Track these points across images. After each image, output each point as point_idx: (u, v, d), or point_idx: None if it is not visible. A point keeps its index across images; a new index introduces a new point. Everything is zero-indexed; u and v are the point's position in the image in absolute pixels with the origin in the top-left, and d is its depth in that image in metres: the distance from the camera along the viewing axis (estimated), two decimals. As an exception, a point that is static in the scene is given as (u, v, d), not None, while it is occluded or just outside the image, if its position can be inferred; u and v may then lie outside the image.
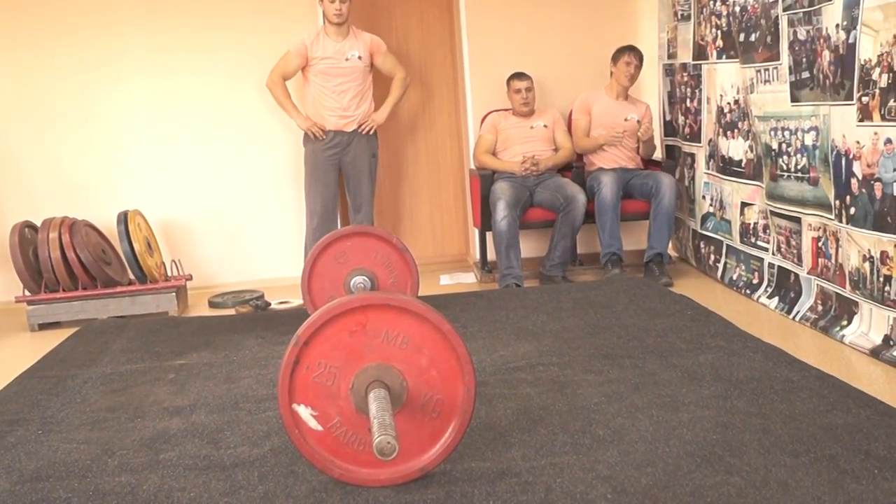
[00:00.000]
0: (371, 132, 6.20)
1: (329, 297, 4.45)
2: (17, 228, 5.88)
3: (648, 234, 6.01)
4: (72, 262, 5.77)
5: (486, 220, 6.16)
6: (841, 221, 4.24)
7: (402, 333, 2.74)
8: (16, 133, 6.60)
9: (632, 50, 6.38)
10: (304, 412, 2.75)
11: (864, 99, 3.95)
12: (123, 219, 5.98)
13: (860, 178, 4.04)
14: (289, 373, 2.73)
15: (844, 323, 4.28)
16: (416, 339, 2.74)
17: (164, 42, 6.64)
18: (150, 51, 6.64)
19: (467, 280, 6.53)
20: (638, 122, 6.39)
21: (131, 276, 6.08)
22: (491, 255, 6.32)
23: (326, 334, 2.73)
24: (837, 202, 4.27)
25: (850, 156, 4.11)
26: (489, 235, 6.25)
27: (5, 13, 6.52)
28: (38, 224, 5.96)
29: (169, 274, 6.30)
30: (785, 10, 4.64)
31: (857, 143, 4.04)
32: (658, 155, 6.61)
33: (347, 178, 6.25)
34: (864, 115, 3.97)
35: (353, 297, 2.78)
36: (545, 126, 6.42)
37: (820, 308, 4.56)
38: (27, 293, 5.86)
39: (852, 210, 4.13)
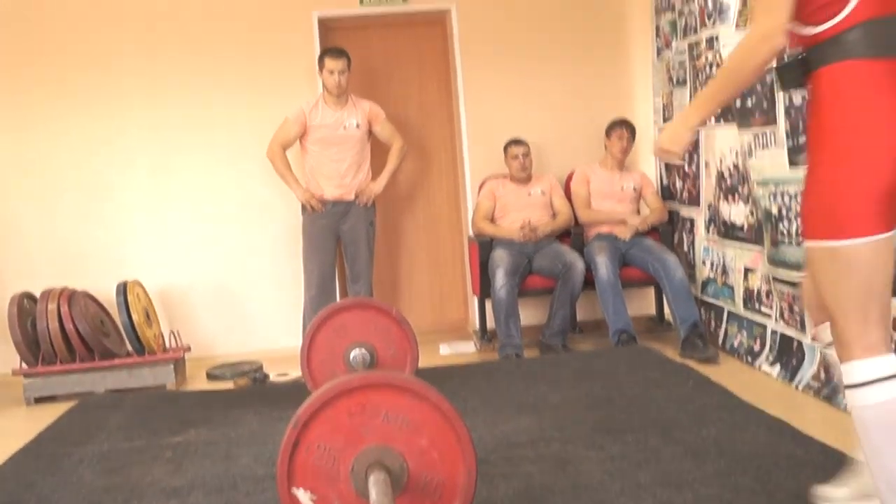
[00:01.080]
0: (369, 203, 6.21)
1: (329, 370, 4.41)
2: (15, 299, 5.85)
3: (672, 312, 5.89)
4: (70, 334, 5.73)
5: (485, 288, 6.14)
6: (842, 288, 4.21)
7: (403, 414, 2.70)
8: (16, 203, 6.62)
9: (623, 124, 6.45)
10: (303, 496, 2.70)
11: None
12: (123, 290, 5.96)
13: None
14: (287, 455, 2.68)
15: (848, 391, 4.24)
16: (416, 419, 2.70)
17: (164, 112, 6.68)
18: (151, 121, 6.69)
19: (467, 349, 6.49)
20: (634, 189, 6.41)
21: (129, 348, 6.04)
22: (490, 322, 6.29)
23: (326, 415, 2.68)
24: (838, 268, 4.25)
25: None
26: (488, 303, 6.22)
27: (8, 83, 6.59)
28: (38, 295, 5.93)
29: (167, 345, 6.26)
30: (780, 76, 4.65)
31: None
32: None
33: (345, 248, 6.24)
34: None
35: (352, 376, 2.74)
36: (542, 192, 6.43)
37: (823, 376, 4.52)
38: (24, 366, 5.82)
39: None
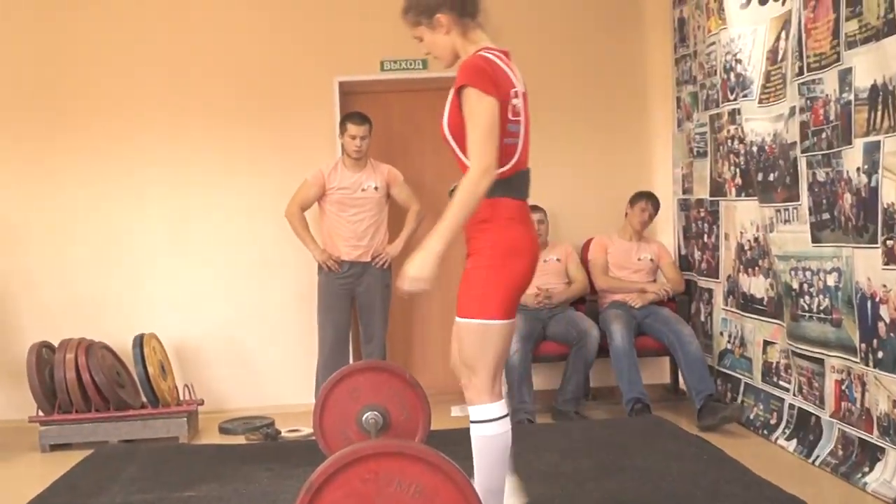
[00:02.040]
0: (386, 266, 6.22)
1: (341, 432, 4.39)
2: (34, 348, 5.91)
3: (687, 383, 5.87)
4: (86, 384, 5.76)
5: (499, 352, 6.13)
6: (868, 365, 4.20)
7: (415, 482, 2.70)
8: (36, 254, 6.69)
9: (649, 197, 6.48)
10: None
11: (889, 242, 3.96)
12: (139, 342, 6.00)
13: (888, 321, 4.02)
14: None
15: (866, 469, 4.21)
16: (428, 488, 2.70)
17: (184, 167, 6.76)
18: (170, 176, 6.76)
19: (481, 412, 6.46)
20: (651, 260, 6.43)
21: (144, 399, 6.05)
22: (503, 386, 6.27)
23: (339, 481, 2.69)
24: (863, 345, 4.24)
25: (877, 299, 4.09)
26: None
27: (28, 135, 6.68)
28: (56, 344, 5.97)
29: (181, 398, 6.27)
30: (804, 152, 4.68)
31: (884, 286, 4.03)
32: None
33: (360, 309, 6.25)
34: (890, 258, 3.98)
35: (366, 444, 2.75)
36: (558, 260, 6.45)
37: (841, 453, 4.49)
38: (40, 413, 5.84)
39: (880, 354, 4.09)
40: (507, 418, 3.12)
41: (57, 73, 6.70)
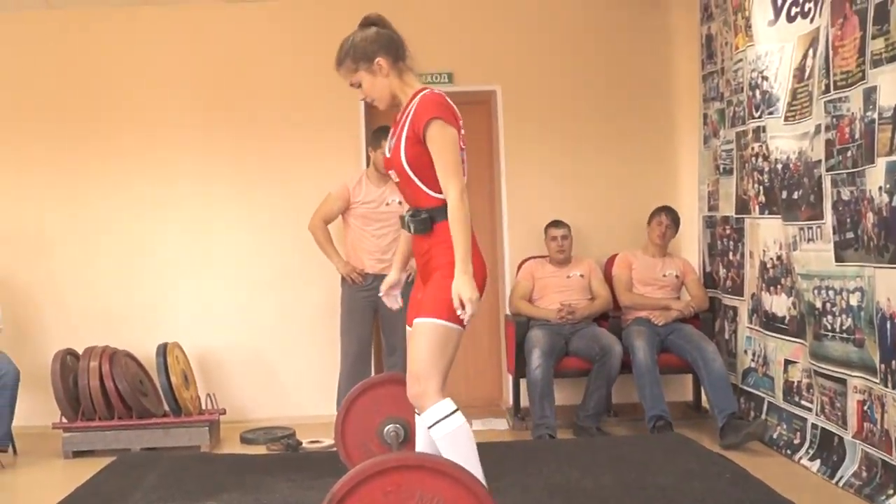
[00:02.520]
0: (410, 279, 6.21)
1: (362, 444, 4.39)
2: (59, 356, 5.96)
3: (710, 401, 5.84)
4: (110, 392, 5.81)
5: (520, 367, 6.14)
6: (887, 386, 4.16)
7: (437, 495, 2.71)
8: (62, 263, 6.77)
9: (667, 211, 6.48)
10: None
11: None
12: (163, 351, 6.04)
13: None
14: None
15: (891, 492, 4.17)
16: (449, 501, 2.71)
17: (208, 179, 6.84)
18: (194, 188, 6.84)
19: (499, 427, 6.47)
20: (676, 276, 6.41)
21: (166, 408, 6.09)
22: (524, 401, 6.27)
23: (361, 493, 2.70)
24: (883, 366, 4.21)
25: (897, 320, 4.07)
26: (523, 382, 6.21)
27: (56, 146, 6.77)
28: (80, 352, 6.01)
29: (203, 407, 6.30)
30: (828, 170, 4.66)
31: (904, 307, 4.01)
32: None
33: (383, 321, 6.24)
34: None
35: (388, 456, 2.76)
36: (581, 275, 6.44)
37: (865, 474, 4.45)
38: (64, 420, 5.89)
39: (900, 375, 4.07)
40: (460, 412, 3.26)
41: (85, 86, 6.80)
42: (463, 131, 3.45)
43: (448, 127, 3.32)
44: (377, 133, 6.13)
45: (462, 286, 3.22)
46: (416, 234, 3.47)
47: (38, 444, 6.14)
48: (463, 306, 3.22)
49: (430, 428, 3.22)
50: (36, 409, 6.38)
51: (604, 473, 4.72)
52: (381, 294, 3.97)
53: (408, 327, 3.61)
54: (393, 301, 3.95)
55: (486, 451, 5.25)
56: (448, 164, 3.32)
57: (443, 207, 3.37)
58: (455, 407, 3.24)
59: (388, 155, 3.55)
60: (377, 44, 3.49)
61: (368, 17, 3.61)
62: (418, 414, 3.31)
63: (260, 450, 5.95)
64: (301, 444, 6.00)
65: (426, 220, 3.44)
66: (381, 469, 2.70)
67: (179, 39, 6.84)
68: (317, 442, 6.01)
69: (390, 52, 3.49)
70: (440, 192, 3.38)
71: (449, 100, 3.42)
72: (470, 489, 2.70)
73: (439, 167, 3.32)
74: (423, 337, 3.31)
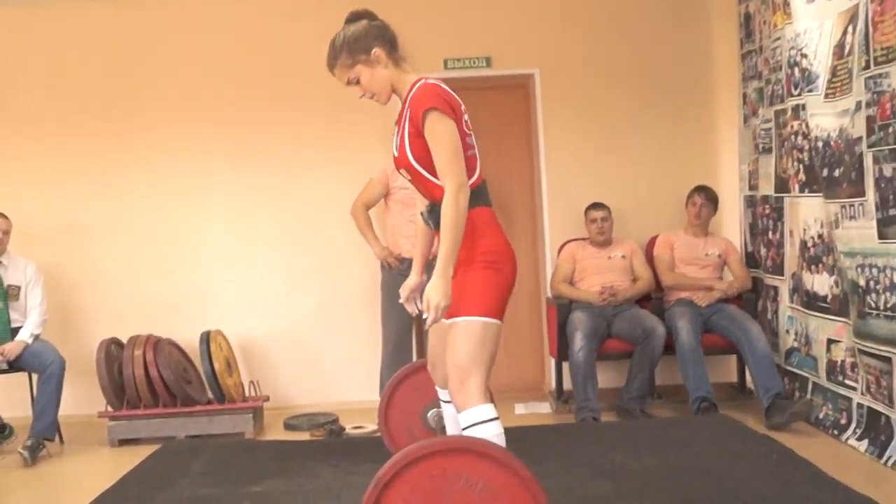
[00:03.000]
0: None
1: (406, 429, 4.41)
2: (104, 345, 6.03)
3: (755, 382, 5.81)
4: (154, 380, 5.86)
5: (562, 350, 6.13)
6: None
7: (482, 479, 2.71)
8: (105, 254, 6.84)
9: (699, 190, 6.45)
10: None
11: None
12: (206, 339, 6.08)
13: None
14: None
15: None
16: (494, 484, 2.71)
17: (249, 168, 6.86)
18: (235, 176, 6.87)
19: (542, 410, 6.48)
20: (718, 256, 6.37)
21: (210, 395, 6.13)
22: (567, 384, 6.27)
23: (406, 477, 2.71)
24: (927, 344, 4.17)
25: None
26: (565, 365, 6.20)
27: (97, 138, 6.82)
28: (125, 341, 6.08)
29: (246, 394, 6.34)
30: (869, 147, 4.61)
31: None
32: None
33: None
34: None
35: (434, 440, 2.77)
36: (623, 256, 6.42)
37: (913, 453, 4.42)
38: (109, 408, 5.96)
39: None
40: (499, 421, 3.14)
41: (124, 77, 6.84)
42: (466, 116, 3.40)
43: (444, 117, 3.23)
44: None
45: (434, 291, 3.13)
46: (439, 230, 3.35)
47: (84, 432, 6.23)
48: (429, 309, 3.14)
49: (465, 429, 3.10)
50: (81, 399, 6.46)
51: (648, 455, 4.72)
52: (401, 300, 3.86)
53: (443, 319, 3.56)
54: (413, 306, 3.81)
55: (530, 434, 5.31)
56: (445, 156, 3.21)
57: None
58: (496, 415, 3.11)
59: (395, 154, 3.47)
60: (371, 35, 3.43)
61: (356, 12, 3.55)
62: (457, 410, 3.17)
63: (303, 436, 6.00)
64: (344, 429, 6.03)
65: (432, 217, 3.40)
66: (426, 453, 2.71)
67: (215, 28, 6.87)
68: (360, 427, 6.04)
69: (385, 43, 3.44)
70: None
71: (445, 87, 3.35)
72: (515, 472, 2.70)
73: (436, 160, 3.24)
74: (462, 335, 3.19)
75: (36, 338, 5.94)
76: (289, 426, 6.24)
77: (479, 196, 3.35)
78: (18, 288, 6.06)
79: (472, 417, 3.07)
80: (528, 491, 2.70)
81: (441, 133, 3.22)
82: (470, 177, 3.31)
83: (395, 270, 6.14)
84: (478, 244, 3.28)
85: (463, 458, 2.71)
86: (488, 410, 3.09)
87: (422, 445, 2.72)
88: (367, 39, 3.42)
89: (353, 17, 3.53)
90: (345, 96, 6.68)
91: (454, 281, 3.22)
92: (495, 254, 3.29)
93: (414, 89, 3.34)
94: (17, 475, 5.31)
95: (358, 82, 3.47)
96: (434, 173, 3.29)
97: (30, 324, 5.96)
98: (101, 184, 6.83)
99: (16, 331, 5.95)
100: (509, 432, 4.62)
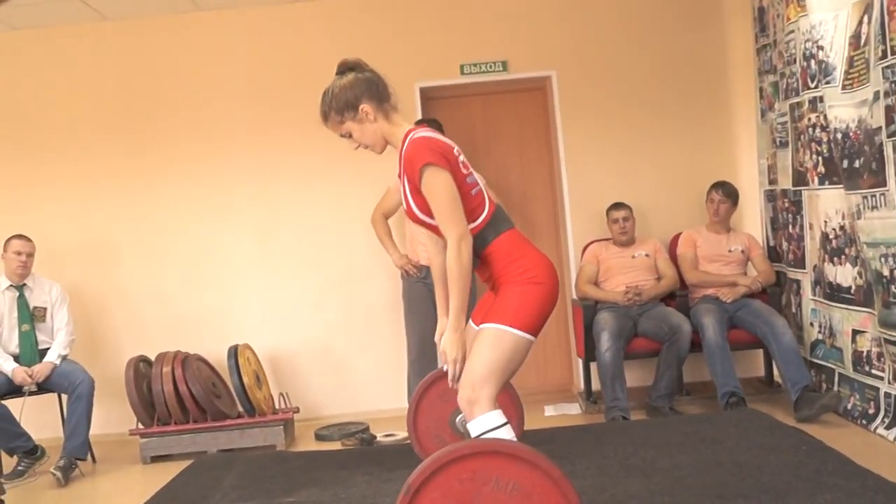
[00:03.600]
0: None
1: (435, 435, 4.42)
2: (132, 363, 6.07)
3: (782, 375, 5.79)
4: (184, 396, 5.90)
5: (589, 351, 6.14)
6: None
7: (513, 480, 2.72)
8: (130, 270, 6.89)
9: (717, 186, 6.45)
10: None
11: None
12: (234, 353, 6.11)
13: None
14: None
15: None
16: (526, 485, 2.72)
17: (269, 183, 6.91)
18: (256, 191, 6.92)
19: (572, 411, 6.48)
20: (742, 252, 6.37)
21: (240, 409, 6.16)
22: (595, 384, 6.28)
23: (437, 482, 2.71)
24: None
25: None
26: (593, 365, 6.21)
27: (123, 153, 6.89)
28: (153, 358, 6.12)
29: (276, 407, 6.38)
30: (889, 136, 4.60)
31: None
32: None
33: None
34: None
35: (463, 444, 2.78)
36: (647, 255, 6.43)
37: (942, 442, 4.41)
38: (140, 426, 6.01)
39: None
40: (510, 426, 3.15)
41: (144, 96, 6.90)
42: (461, 157, 3.39)
43: (438, 171, 3.22)
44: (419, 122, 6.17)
45: (449, 345, 3.19)
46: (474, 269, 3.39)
47: (116, 450, 6.29)
48: (449, 363, 3.20)
49: (484, 434, 3.09)
50: (112, 417, 6.54)
51: (679, 452, 4.72)
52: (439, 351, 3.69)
53: (472, 324, 3.59)
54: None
55: (560, 434, 5.32)
56: (443, 210, 3.21)
57: (481, 232, 3.32)
58: (505, 420, 3.11)
59: (404, 207, 3.50)
60: (358, 89, 3.42)
61: (345, 62, 3.54)
62: (465, 418, 3.17)
63: (335, 446, 6.01)
64: (375, 437, 6.06)
65: (474, 260, 3.37)
66: (455, 457, 2.72)
67: (233, 43, 6.92)
68: (391, 435, 6.06)
69: (373, 96, 3.43)
70: (470, 221, 3.29)
71: (434, 136, 3.35)
72: (546, 472, 2.71)
73: (436, 215, 3.24)
74: (490, 343, 3.17)
75: (64, 358, 5.98)
76: (320, 437, 6.26)
77: (497, 223, 3.36)
78: (45, 309, 6.11)
79: (483, 425, 3.07)
80: (559, 490, 2.70)
81: (437, 189, 3.22)
82: (480, 211, 3.33)
83: (414, 278, 6.18)
84: (513, 265, 3.27)
85: (492, 460, 2.72)
86: (497, 417, 3.09)
87: (451, 450, 2.74)
88: (353, 94, 3.42)
89: (343, 69, 3.52)
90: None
91: (496, 294, 3.30)
92: (534, 269, 3.26)
93: (405, 145, 3.36)
94: (51, 495, 5.35)
95: (350, 136, 3.51)
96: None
97: (57, 345, 6.01)
98: (126, 203, 6.89)
99: (44, 352, 5.98)
100: (539, 434, 4.66)
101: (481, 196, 3.37)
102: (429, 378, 4.58)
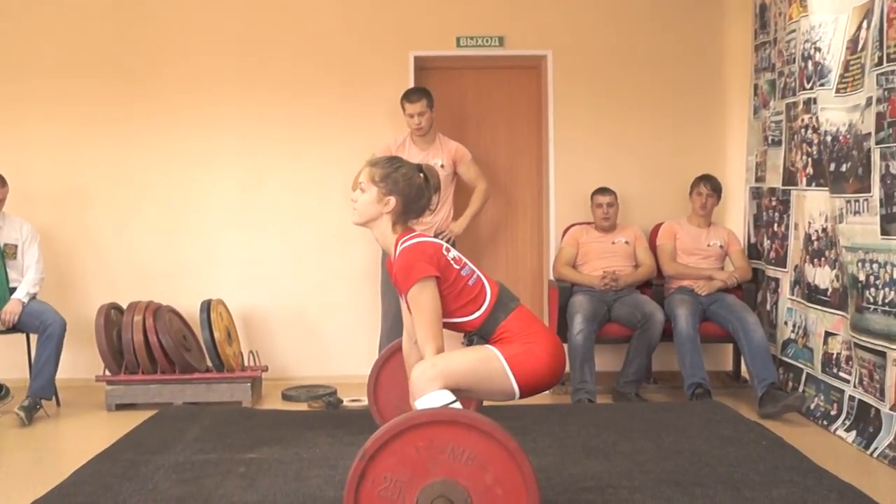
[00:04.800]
0: (449, 242, 6.24)
1: (395, 406, 4.41)
2: (103, 309, 6.04)
3: (750, 371, 5.81)
4: (153, 346, 5.88)
5: (562, 332, 6.14)
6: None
7: (469, 450, 2.74)
8: (105, 219, 6.85)
9: (705, 180, 6.45)
10: None
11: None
12: (206, 307, 6.10)
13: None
14: (354, 487, 2.73)
15: (926, 465, 4.16)
16: (481, 456, 2.74)
17: (254, 139, 6.86)
18: (241, 146, 6.86)
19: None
20: (721, 246, 6.39)
21: (209, 364, 6.16)
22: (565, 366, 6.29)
23: (393, 448, 2.74)
24: (923, 340, 4.19)
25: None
26: (565, 347, 6.20)
27: (104, 101, 6.82)
28: (125, 307, 6.10)
29: (245, 364, 6.37)
30: (878, 143, 4.62)
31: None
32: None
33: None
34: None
35: (420, 412, 2.80)
36: (626, 242, 6.44)
37: (901, 447, 4.45)
38: (107, 373, 5.99)
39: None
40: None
41: (130, 42, 6.82)
42: (452, 253, 3.44)
43: (424, 287, 3.27)
44: (401, 99, 6.19)
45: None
46: None
47: (81, 396, 6.26)
48: None
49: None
50: (79, 362, 6.51)
51: (641, 438, 4.75)
52: None
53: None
54: None
55: (526, 413, 5.34)
56: (425, 324, 3.26)
57: (491, 314, 3.37)
58: (455, 398, 3.13)
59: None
60: (403, 188, 3.46)
61: (424, 170, 3.57)
62: (413, 395, 3.18)
63: (301, 407, 6.02)
64: (342, 401, 6.06)
65: (481, 343, 3.42)
66: (413, 424, 2.74)
67: (223, -3, 6.88)
68: (357, 401, 6.06)
69: (405, 203, 3.48)
70: (472, 313, 3.37)
71: (423, 239, 3.41)
72: (502, 444, 2.72)
73: (418, 328, 3.29)
74: (481, 357, 3.28)
75: (32, 297, 5.95)
76: (287, 397, 6.26)
77: (505, 302, 3.42)
78: (15, 247, 6.04)
79: (434, 401, 3.08)
80: (514, 462, 2.72)
81: (422, 304, 3.26)
82: (483, 297, 3.39)
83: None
84: (518, 339, 3.33)
85: (449, 429, 2.74)
86: (448, 395, 3.11)
87: (409, 417, 2.75)
88: (392, 186, 3.46)
89: (420, 169, 3.58)
90: (353, 71, 6.78)
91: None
92: (542, 345, 3.34)
93: (397, 252, 3.40)
94: (13, 435, 5.34)
95: (363, 191, 3.51)
96: (452, 316, 3.38)
97: (26, 282, 5.96)
98: (106, 150, 6.81)
99: (14, 290, 5.95)
100: (504, 410, 4.67)
101: (480, 282, 3.43)
102: (388, 349, 4.58)
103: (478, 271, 3.49)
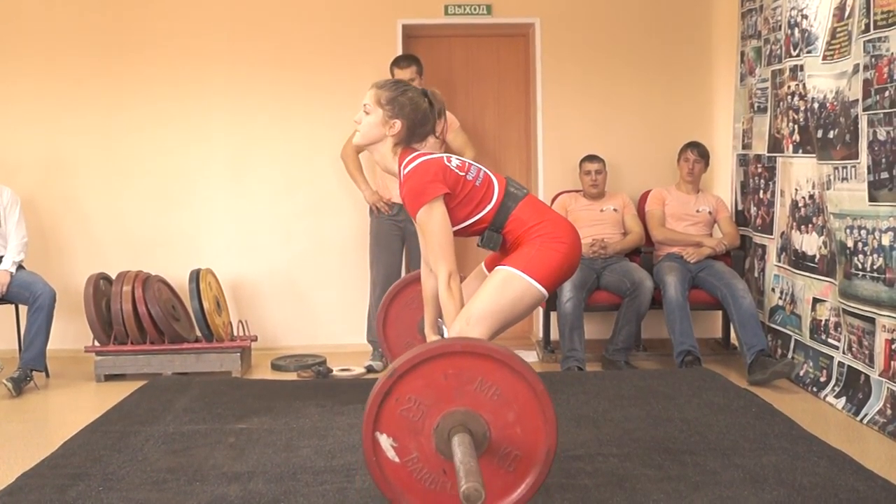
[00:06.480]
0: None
1: (406, 343, 4.40)
2: (92, 279, 6.01)
3: (739, 338, 5.83)
4: (142, 316, 5.87)
5: (550, 300, 6.14)
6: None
7: (496, 385, 2.73)
8: (94, 189, 6.82)
9: (693, 146, 6.47)
10: (384, 441, 2.75)
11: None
12: (195, 277, 6.08)
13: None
14: (378, 401, 2.73)
15: (914, 430, 4.20)
16: (507, 392, 2.73)
17: (246, 106, 6.82)
18: (229, 117, 6.83)
19: (529, 359, 6.50)
20: (709, 213, 6.40)
21: (198, 334, 6.15)
22: (554, 334, 6.31)
23: (423, 371, 2.73)
24: (913, 305, 4.20)
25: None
26: (553, 315, 6.24)
27: (94, 69, 6.76)
28: (114, 276, 6.08)
29: (235, 334, 6.37)
30: (865, 109, 4.62)
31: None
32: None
33: (411, 250, 6.28)
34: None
35: (457, 339, 2.83)
36: (615, 210, 6.44)
37: (889, 412, 4.47)
38: (96, 343, 5.97)
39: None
40: None
41: (119, 12, 6.76)
42: (454, 161, 3.47)
43: (432, 208, 3.31)
44: (391, 66, 6.15)
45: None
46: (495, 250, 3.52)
47: (70, 367, 6.27)
48: None
49: None
50: (68, 333, 6.51)
51: (630, 405, 4.76)
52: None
53: (484, 269, 3.68)
54: None
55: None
56: (436, 246, 3.30)
57: (497, 212, 3.43)
58: None
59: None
60: (410, 111, 3.49)
61: (434, 94, 3.58)
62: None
63: (290, 377, 6.02)
64: (331, 371, 6.07)
65: (496, 238, 3.49)
66: (445, 351, 2.73)
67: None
68: (347, 370, 6.08)
69: (411, 127, 3.50)
70: (483, 209, 3.43)
71: (428, 157, 3.42)
72: (530, 384, 2.71)
73: (429, 249, 3.35)
74: (498, 284, 3.29)
75: (19, 265, 5.92)
76: (276, 367, 6.27)
77: (511, 195, 3.47)
78: None
79: None
80: (539, 404, 2.72)
81: (430, 227, 3.31)
82: (491, 193, 3.44)
83: (385, 215, 6.16)
84: (536, 227, 3.40)
85: (481, 361, 2.73)
86: None
87: (443, 343, 2.76)
88: (399, 110, 3.49)
89: (426, 92, 3.58)
90: (341, 40, 6.74)
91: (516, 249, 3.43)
92: (557, 230, 3.40)
93: (403, 173, 3.43)
94: (1, 406, 5.32)
95: (365, 115, 3.55)
96: (466, 217, 3.44)
97: (11, 249, 5.90)
98: (93, 120, 6.77)
99: (1, 258, 5.91)
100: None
101: (487, 178, 3.48)
102: (394, 287, 4.56)
103: (483, 168, 3.54)
